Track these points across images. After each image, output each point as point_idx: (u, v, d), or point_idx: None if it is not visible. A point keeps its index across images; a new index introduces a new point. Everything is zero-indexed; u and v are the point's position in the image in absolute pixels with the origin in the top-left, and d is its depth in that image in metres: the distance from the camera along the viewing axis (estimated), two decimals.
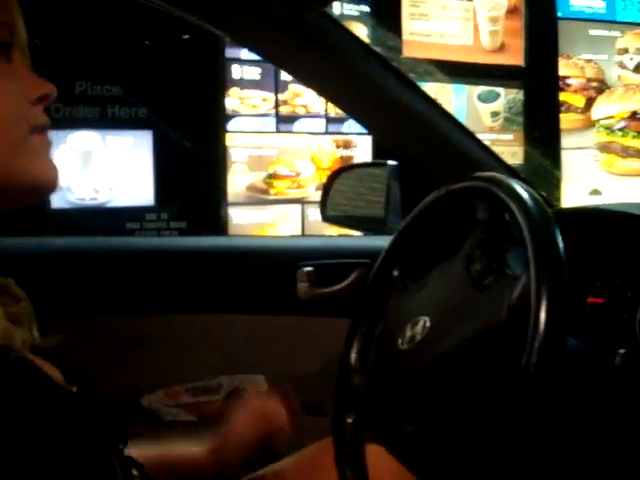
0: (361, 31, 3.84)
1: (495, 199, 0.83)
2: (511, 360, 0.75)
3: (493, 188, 0.83)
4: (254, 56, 3.57)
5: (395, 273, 0.99)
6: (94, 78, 3.38)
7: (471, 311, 0.82)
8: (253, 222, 3.73)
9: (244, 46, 1.38)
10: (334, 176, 1.52)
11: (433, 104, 1.41)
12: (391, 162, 1.44)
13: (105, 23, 3.33)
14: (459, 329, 0.82)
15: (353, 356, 1.01)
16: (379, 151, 3.70)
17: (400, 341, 0.89)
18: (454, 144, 1.38)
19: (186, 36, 3.51)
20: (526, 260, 0.76)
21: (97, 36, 3.32)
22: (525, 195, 0.81)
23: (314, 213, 3.75)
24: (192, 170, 3.59)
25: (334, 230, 3.44)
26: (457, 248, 0.91)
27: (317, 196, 3.75)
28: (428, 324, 0.87)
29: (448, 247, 0.92)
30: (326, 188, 1.50)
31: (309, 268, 1.46)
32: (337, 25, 1.31)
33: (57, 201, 3.20)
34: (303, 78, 1.39)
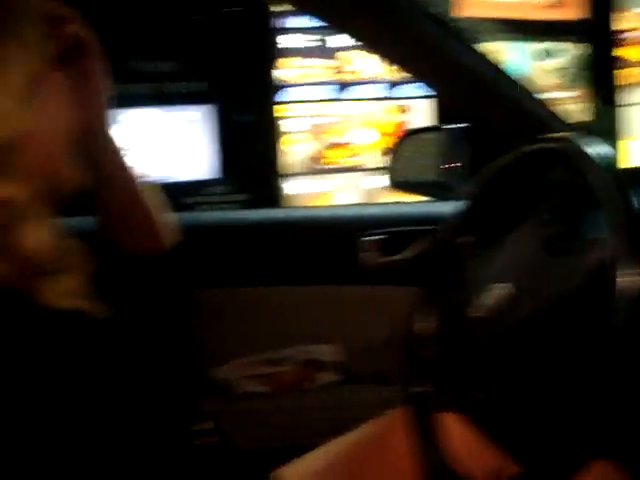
0: None
1: (570, 160, 0.80)
2: (591, 324, 0.73)
3: (568, 149, 0.80)
4: (304, 24, 3.56)
5: (466, 239, 0.97)
6: (150, 55, 3.40)
7: (547, 277, 0.80)
8: (311, 192, 3.72)
9: (303, 11, 1.36)
10: (400, 141, 1.49)
11: (493, 64, 1.37)
12: (457, 125, 1.40)
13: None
14: (536, 296, 0.80)
15: (422, 324, 1.00)
16: (442, 114, 3.64)
17: (473, 309, 0.87)
18: (517, 104, 1.35)
19: (229, 9, 3.50)
20: (602, 223, 0.73)
21: (150, 13, 3.33)
22: (599, 155, 0.78)
23: (371, 181, 3.72)
24: (249, 142, 3.60)
25: (393, 197, 3.42)
26: (530, 212, 0.88)
27: (374, 164, 3.72)
28: (503, 291, 0.85)
29: (520, 212, 0.90)
30: (393, 154, 1.47)
31: (371, 237, 1.44)
32: None
33: None
34: (365, 41, 1.36)
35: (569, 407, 0.77)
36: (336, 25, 1.39)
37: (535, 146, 0.89)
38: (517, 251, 0.89)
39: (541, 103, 1.38)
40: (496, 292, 0.86)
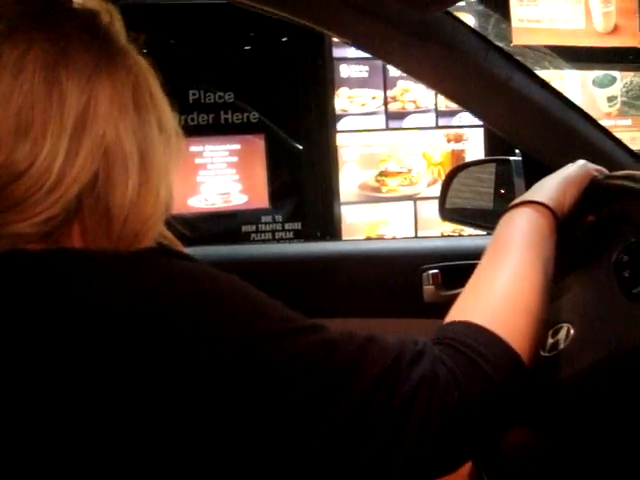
0: (469, 21, 3.77)
1: None
2: None
3: None
4: (360, 54, 3.59)
5: None
6: (206, 86, 3.46)
7: (621, 321, 0.78)
8: (366, 220, 3.72)
9: (359, 47, 1.36)
10: (452, 173, 1.50)
11: (553, 91, 1.36)
12: (513, 158, 1.39)
13: (211, 33, 3.40)
14: (607, 340, 0.78)
15: None
16: (492, 143, 3.62)
17: (545, 348, 0.86)
18: (577, 133, 1.33)
19: (286, 39, 3.54)
20: None
21: (205, 46, 3.40)
22: None
23: (427, 209, 3.71)
24: (304, 171, 3.62)
25: (448, 226, 3.40)
26: (599, 250, 0.86)
27: (429, 192, 3.71)
28: (572, 332, 0.83)
29: (589, 249, 0.88)
30: (444, 186, 1.48)
31: (434, 270, 1.43)
32: (452, 17, 1.28)
33: (176, 208, 3.29)
34: (416, 73, 1.36)
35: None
36: (387, 60, 1.39)
37: (608, 182, 0.87)
38: (584, 291, 0.87)
39: (602, 131, 1.35)
40: (566, 332, 0.84)
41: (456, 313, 0.72)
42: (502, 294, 0.72)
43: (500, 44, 3.59)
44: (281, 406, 0.62)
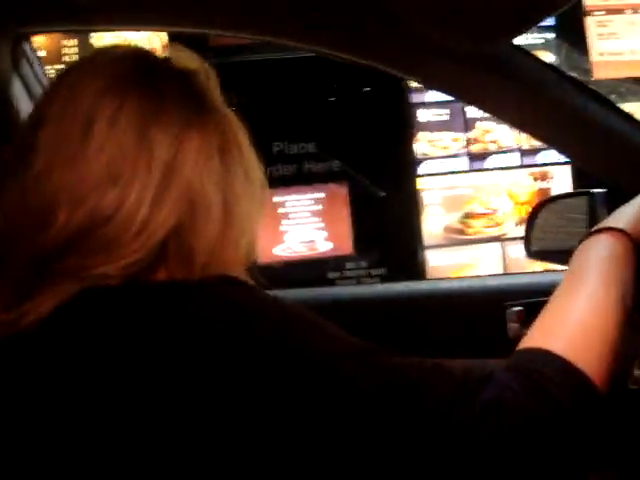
0: (548, 58, 3.74)
1: None
2: None
3: None
4: (439, 98, 3.60)
5: None
6: (289, 138, 3.53)
7: None
8: (452, 264, 3.68)
9: (434, 88, 1.38)
10: (536, 210, 1.47)
11: (633, 121, 1.33)
12: (596, 190, 1.37)
13: (294, 86, 3.49)
14: None
15: None
16: (579, 180, 3.54)
17: (632, 380, 0.83)
18: None
19: (367, 88, 3.59)
20: None
21: (287, 97, 3.48)
22: None
23: (515, 250, 3.64)
24: (388, 217, 3.63)
25: (537, 267, 3.33)
26: None
27: (516, 232, 3.64)
28: None
29: None
30: (529, 223, 1.45)
31: (518, 308, 1.41)
32: (526, 54, 1.28)
33: (262, 257, 3.34)
34: (497, 112, 1.37)
35: None
36: (462, 98, 1.40)
37: None
38: None
39: None
40: None
41: (528, 340, 0.71)
42: (576, 321, 0.71)
43: (583, 79, 3.55)
44: (353, 424, 0.63)
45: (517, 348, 0.71)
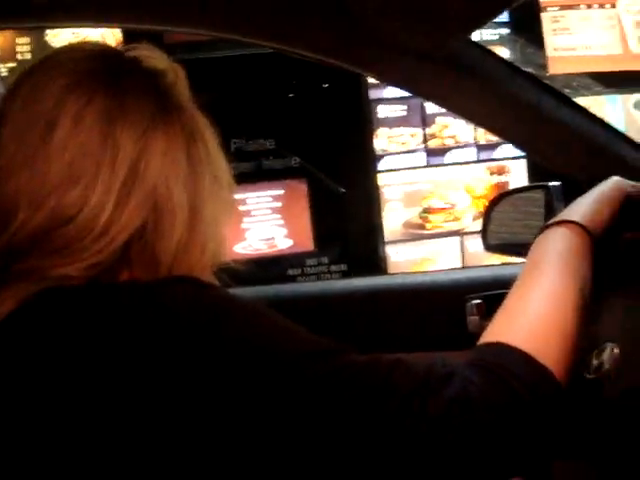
0: (503, 54, 3.78)
1: None
2: None
3: None
4: (397, 94, 3.61)
5: None
6: (248, 134, 3.52)
7: None
8: (412, 258, 3.71)
9: (391, 84, 1.38)
10: (493, 203, 1.49)
11: (584, 112, 1.35)
12: (552, 183, 1.38)
13: (251, 81, 3.48)
14: None
15: None
16: (535, 174, 3.59)
17: (590, 370, 0.84)
18: (621, 159, 1.32)
19: (326, 84, 3.59)
20: None
21: (245, 94, 3.47)
22: None
23: (473, 244, 3.68)
24: (348, 213, 3.64)
25: (495, 261, 3.37)
26: (638, 267, 0.85)
27: (475, 227, 3.68)
28: (616, 352, 0.81)
29: (627, 266, 0.87)
30: (486, 216, 1.47)
31: (478, 300, 1.42)
32: (482, 50, 1.29)
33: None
34: (454, 107, 1.38)
35: None
36: (418, 93, 1.41)
37: None
38: (626, 311, 0.85)
39: (635, 149, 1.34)
40: (610, 353, 0.82)
41: (489, 335, 0.72)
42: (534, 314, 0.72)
43: (538, 74, 3.60)
44: (312, 424, 0.63)
45: (478, 342, 0.71)
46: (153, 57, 0.79)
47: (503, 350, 0.68)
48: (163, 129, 0.74)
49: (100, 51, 0.80)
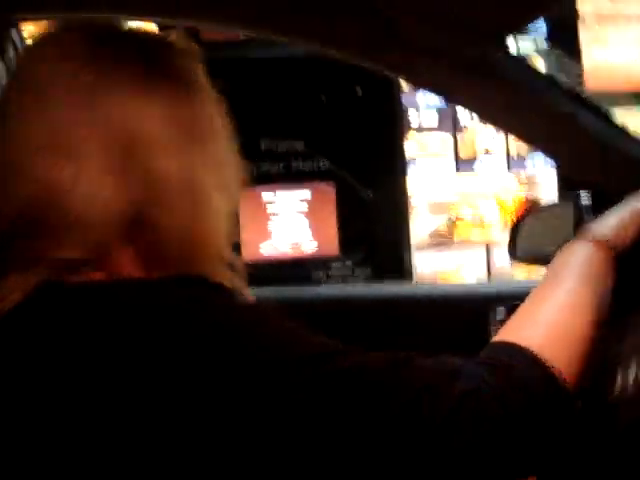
0: (540, 65, 3.75)
1: None
2: None
3: None
4: (430, 100, 3.60)
5: None
6: (278, 135, 3.52)
7: None
8: (437, 266, 3.68)
9: (425, 89, 1.37)
10: (522, 215, 1.47)
11: (625, 131, 1.33)
12: (581, 196, 1.37)
13: (284, 83, 3.48)
14: None
15: None
16: (565, 186, 3.55)
17: (615, 389, 0.82)
18: None
19: (359, 88, 3.58)
20: None
21: (278, 95, 3.47)
22: None
23: (500, 255, 3.65)
24: (375, 217, 3.62)
25: (522, 272, 3.33)
26: None
27: (502, 238, 3.65)
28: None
29: None
30: (514, 227, 1.46)
31: (501, 308, 1.41)
32: (518, 60, 1.28)
33: (247, 255, 3.32)
34: (487, 115, 1.36)
35: None
36: (457, 102, 1.40)
37: None
38: None
39: None
40: (631, 373, 0.80)
41: (502, 334, 0.72)
42: (548, 319, 0.72)
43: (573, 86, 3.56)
44: (323, 425, 0.63)
45: (491, 340, 0.72)
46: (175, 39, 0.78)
47: (513, 350, 0.68)
48: (161, 104, 0.72)
49: (96, 24, 0.79)
